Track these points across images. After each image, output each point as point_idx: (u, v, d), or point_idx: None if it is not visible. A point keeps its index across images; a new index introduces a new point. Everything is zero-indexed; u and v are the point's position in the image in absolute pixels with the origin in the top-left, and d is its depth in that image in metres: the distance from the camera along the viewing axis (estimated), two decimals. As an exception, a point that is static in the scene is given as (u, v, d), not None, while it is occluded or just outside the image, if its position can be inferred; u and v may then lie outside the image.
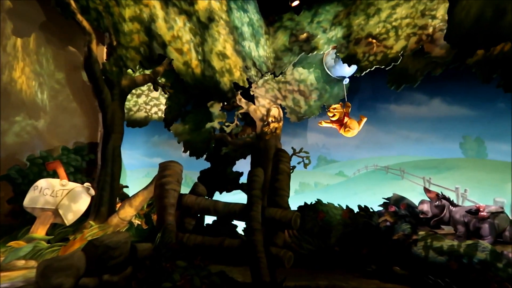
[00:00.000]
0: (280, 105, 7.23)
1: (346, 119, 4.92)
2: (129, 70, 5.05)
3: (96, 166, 4.84)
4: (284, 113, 7.19)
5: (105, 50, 5.23)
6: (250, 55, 5.72)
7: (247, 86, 5.28)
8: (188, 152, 7.34)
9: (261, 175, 3.73)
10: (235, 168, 7.51)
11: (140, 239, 3.82)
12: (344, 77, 5.56)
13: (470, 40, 3.14)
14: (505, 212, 3.79)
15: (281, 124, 6.80)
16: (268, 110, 6.86)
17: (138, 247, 2.93)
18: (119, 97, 5.07)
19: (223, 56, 5.10)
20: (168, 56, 4.57)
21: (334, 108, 4.95)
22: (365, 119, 4.90)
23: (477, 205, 3.71)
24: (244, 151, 7.28)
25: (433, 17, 4.67)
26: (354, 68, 5.46)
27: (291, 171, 6.69)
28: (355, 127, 4.75)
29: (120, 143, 4.88)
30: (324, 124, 5.10)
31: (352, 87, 6.94)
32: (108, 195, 4.59)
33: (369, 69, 4.85)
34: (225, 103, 7.25)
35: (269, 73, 6.39)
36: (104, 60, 4.45)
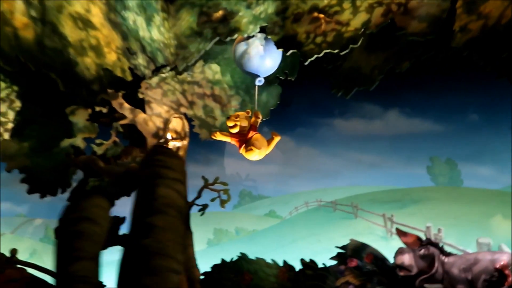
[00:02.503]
0: (185, 115, 7.20)
1: (251, 133, 4.97)
2: None
3: None
4: (191, 127, 7.21)
5: None
6: (136, 34, 5.42)
7: (129, 79, 5.01)
8: (28, 188, 6.94)
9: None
10: (114, 211, 7.05)
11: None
12: (257, 76, 5.62)
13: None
14: None
15: (185, 143, 6.78)
16: (166, 122, 6.80)
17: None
18: None
19: (84, 22, 4.53)
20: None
21: (237, 117, 4.99)
22: (277, 139, 5.11)
23: (501, 262, 3.74)
24: (128, 184, 6.88)
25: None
26: (275, 64, 5.62)
27: (201, 211, 6.71)
28: (262, 147, 4.82)
29: None
30: (219, 137, 5.12)
31: (283, 96, 7.06)
32: None
33: (316, 56, 4.90)
34: (100, 111, 6.88)
35: (169, 68, 6.28)
36: None
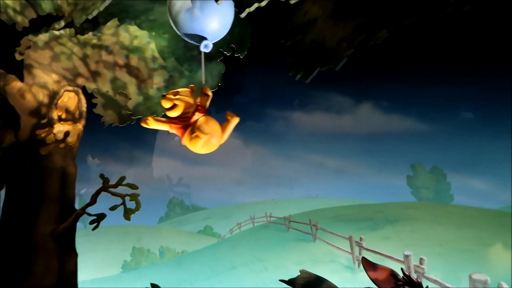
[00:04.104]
0: (84, 89, 6.99)
1: (197, 116, 4.77)
2: None
3: None
4: (91, 107, 7.15)
5: None
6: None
7: None
8: None
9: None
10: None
11: None
12: (203, 39, 5.48)
13: None
14: None
15: (79, 126, 6.62)
16: (54, 96, 6.57)
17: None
18: None
19: None
20: None
21: (176, 94, 4.84)
22: (235, 121, 5.16)
23: None
24: None
25: None
26: (225, 24, 5.47)
27: (94, 224, 6.26)
28: (214, 134, 4.82)
29: None
30: (152, 124, 4.89)
31: (227, 77, 7.06)
32: None
33: (257, 5, 4.90)
34: None
35: (63, 23, 6.15)
36: None
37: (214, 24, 5.32)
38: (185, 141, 4.67)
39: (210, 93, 4.90)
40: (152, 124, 4.76)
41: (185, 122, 4.68)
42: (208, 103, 4.93)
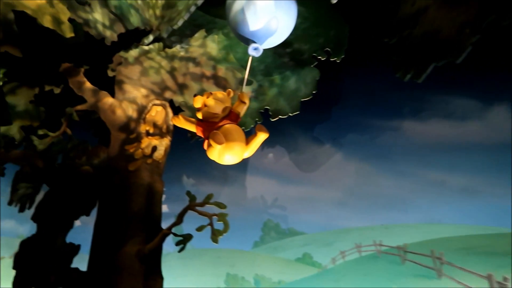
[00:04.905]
0: (171, 102, 7.29)
1: (224, 122, 4.78)
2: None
3: None
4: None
5: None
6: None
7: (68, 35, 5.15)
8: None
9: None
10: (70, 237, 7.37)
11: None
12: (252, 42, 5.42)
13: None
14: None
15: (166, 141, 6.85)
16: (143, 111, 6.94)
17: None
18: None
19: None
20: None
21: (210, 96, 4.81)
22: (262, 136, 4.76)
23: None
24: (84, 195, 7.16)
25: None
26: (285, 27, 5.40)
27: (180, 245, 6.35)
28: (231, 145, 4.59)
29: None
30: (179, 123, 4.99)
31: (324, 85, 6.89)
32: None
33: None
34: (51, 91, 7.26)
35: (151, 37, 6.51)
36: None
37: (267, 25, 5.40)
38: (205, 147, 4.59)
39: (247, 101, 4.74)
40: (180, 122, 4.79)
41: (210, 127, 4.62)
42: (243, 111, 4.78)
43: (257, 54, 5.16)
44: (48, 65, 6.83)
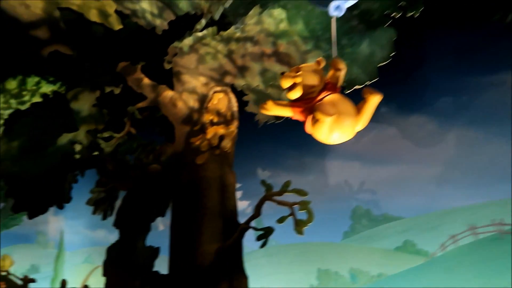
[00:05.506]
0: (233, 87, 7.38)
1: (323, 95, 4.43)
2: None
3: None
4: (242, 105, 7.44)
5: None
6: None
7: (116, 27, 5.35)
8: (13, 205, 7.52)
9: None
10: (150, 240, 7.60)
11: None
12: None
13: None
14: None
15: (232, 128, 6.88)
16: (204, 100, 7.02)
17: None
18: None
19: None
20: None
21: (298, 71, 4.52)
22: (375, 99, 4.36)
23: None
24: (157, 196, 7.34)
25: None
26: None
27: (262, 240, 6.38)
28: (342, 116, 4.22)
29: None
30: (272, 110, 4.68)
31: (402, 46, 6.77)
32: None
33: None
34: (112, 92, 7.62)
35: (203, 22, 6.61)
36: None
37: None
38: (308, 128, 4.30)
39: (342, 66, 4.32)
40: (271, 109, 4.47)
41: (308, 104, 4.34)
42: (341, 79, 4.39)
43: (339, 13, 4.98)
44: (105, 66, 7.13)
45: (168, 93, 7.06)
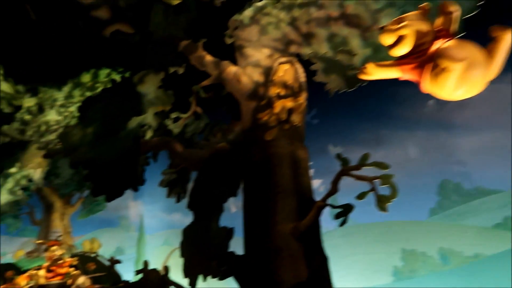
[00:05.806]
0: (299, 56, 7.27)
1: (438, 43, 3.99)
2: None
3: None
4: (310, 75, 7.31)
5: None
6: None
7: (175, 1, 5.01)
8: (92, 189, 7.94)
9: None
10: (224, 221, 7.71)
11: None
12: None
13: None
14: None
15: (301, 100, 6.82)
16: (269, 73, 6.99)
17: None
18: None
19: None
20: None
21: (401, 22, 4.12)
22: (507, 37, 3.89)
23: None
24: (227, 175, 7.44)
25: None
26: None
27: (341, 218, 6.32)
28: (473, 61, 3.78)
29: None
30: (374, 74, 4.32)
31: None
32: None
33: None
34: (175, 72, 7.86)
35: None
36: None
37: None
38: (427, 84, 3.91)
39: (454, 8, 4.00)
40: (373, 72, 4.03)
41: (421, 58, 3.97)
42: (455, 24, 4.03)
43: None
44: (167, 46, 7.29)
45: (232, 69, 7.10)
